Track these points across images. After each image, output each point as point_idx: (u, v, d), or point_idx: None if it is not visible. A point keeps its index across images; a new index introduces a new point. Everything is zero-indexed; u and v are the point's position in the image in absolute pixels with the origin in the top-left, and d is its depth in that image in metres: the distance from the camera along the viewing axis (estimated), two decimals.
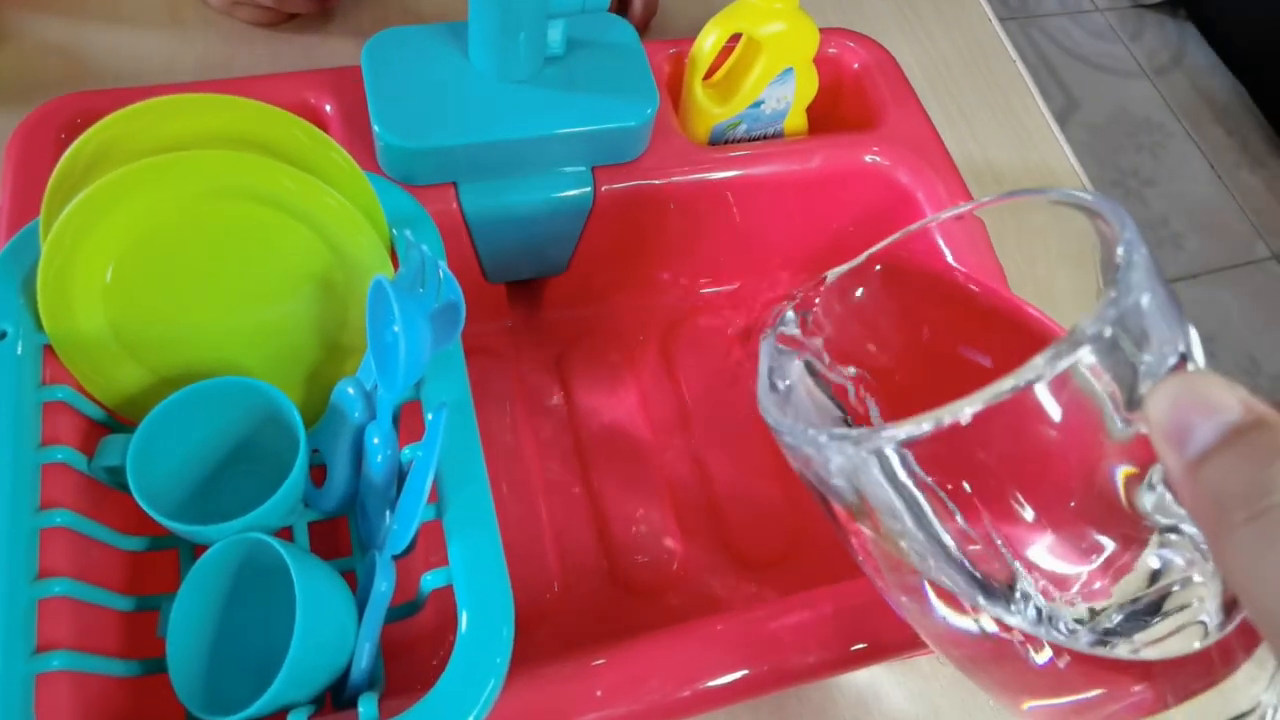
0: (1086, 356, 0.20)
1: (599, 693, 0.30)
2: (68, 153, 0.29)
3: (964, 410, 0.20)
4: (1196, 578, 0.22)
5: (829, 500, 0.25)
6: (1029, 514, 0.22)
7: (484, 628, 0.28)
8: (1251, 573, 0.17)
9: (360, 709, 0.28)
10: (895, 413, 0.22)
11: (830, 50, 0.50)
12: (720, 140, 0.47)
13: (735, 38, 0.46)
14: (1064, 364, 0.19)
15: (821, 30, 0.46)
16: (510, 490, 0.44)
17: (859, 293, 0.31)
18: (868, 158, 0.47)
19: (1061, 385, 0.20)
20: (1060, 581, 0.23)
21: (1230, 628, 0.22)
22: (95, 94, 0.39)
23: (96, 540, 0.31)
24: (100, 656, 0.29)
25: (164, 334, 0.32)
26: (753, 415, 0.28)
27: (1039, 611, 0.23)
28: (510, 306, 0.49)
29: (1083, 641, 0.23)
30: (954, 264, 0.33)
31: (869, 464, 0.22)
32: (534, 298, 0.49)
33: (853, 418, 0.31)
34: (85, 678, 0.28)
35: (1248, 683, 0.22)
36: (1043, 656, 0.23)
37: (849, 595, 0.34)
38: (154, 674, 0.30)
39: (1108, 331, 0.20)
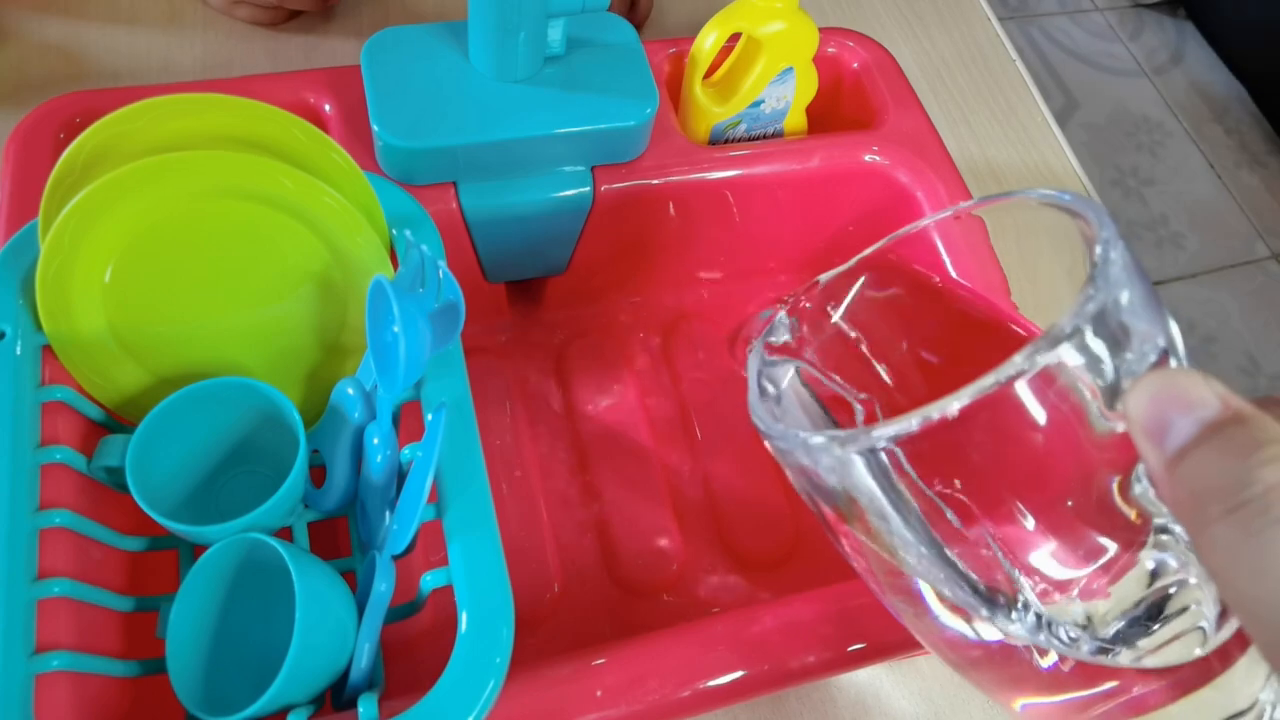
0: (1067, 353, 0.20)
1: (599, 693, 0.30)
2: (66, 152, 0.29)
3: (950, 405, 0.20)
4: (1191, 580, 0.22)
5: (820, 505, 0.25)
6: (1023, 516, 0.22)
7: (484, 628, 0.28)
8: (1231, 567, 0.17)
9: (360, 709, 0.28)
10: (885, 418, 0.22)
11: (830, 50, 0.50)
12: (720, 140, 0.47)
13: (735, 37, 0.46)
14: (1043, 360, 0.20)
15: (821, 30, 0.46)
16: (510, 490, 0.44)
17: (850, 297, 0.31)
18: (867, 157, 0.47)
19: (1045, 383, 0.20)
20: (1058, 584, 0.23)
21: (1228, 632, 0.22)
22: (94, 93, 0.39)
23: (96, 540, 0.31)
24: (100, 657, 0.29)
25: (163, 334, 0.32)
26: None
27: (1038, 618, 0.23)
28: (510, 306, 0.49)
29: (1084, 650, 0.23)
30: (950, 268, 0.33)
31: (858, 465, 0.22)
32: (534, 297, 0.49)
33: (842, 424, 0.31)
34: (85, 678, 0.28)
35: (1246, 681, 0.22)
36: (1047, 661, 0.23)
37: (848, 595, 0.34)
38: (153, 674, 0.30)
39: (1085, 328, 0.20)
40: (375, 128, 0.38)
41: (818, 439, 0.22)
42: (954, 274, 0.34)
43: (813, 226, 0.50)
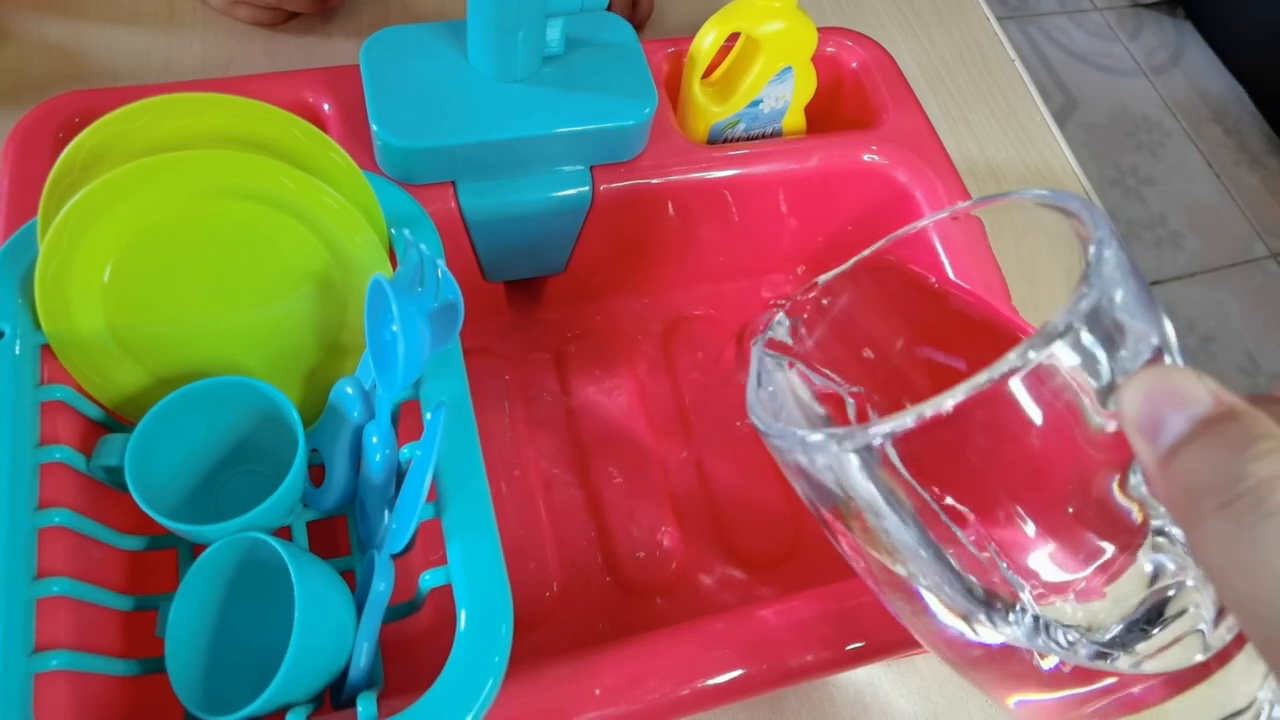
0: (1061, 350, 0.20)
1: (598, 691, 0.30)
2: (65, 152, 0.29)
3: (945, 402, 0.20)
4: (1189, 582, 0.22)
5: (819, 506, 0.25)
6: (1020, 517, 0.22)
7: (483, 627, 0.28)
8: (1224, 562, 0.17)
9: (359, 708, 0.28)
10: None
11: (828, 49, 0.50)
12: (719, 139, 0.47)
13: (734, 36, 0.46)
14: (1037, 357, 0.20)
15: (820, 29, 0.46)
16: (509, 489, 0.44)
17: (847, 298, 0.31)
18: (866, 157, 0.47)
19: (1040, 380, 0.20)
20: (1054, 585, 0.23)
21: (1226, 634, 0.22)
22: (93, 93, 0.39)
23: (95, 540, 0.31)
24: (99, 656, 0.29)
25: (162, 333, 0.32)
26: None
27: (1036, 621, 0.23)
28: (509, 306, 0.49)
29: (1082, 654, 0.23)
30: (949, 269, 0.33)
31: (854, 463, 0.22)
32: (533, 297, 0.49)
33: (840, 425, 0.31)
34: (84, 677, 0.28)
35: (1244, 679, 0.22)
36: (1048, 663, 0.23)
37: (847, 594, 0.34)
38: (153, 673, 0.30)
39: (1078, 326, 0.20)
40: (374, 127, 0.38)
41: (815, 436, 0.22)
42: (953, 275, 0.34)
43: (811, 226, 0.50)
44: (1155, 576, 0.23)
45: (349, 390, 0.33)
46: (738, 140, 0.48)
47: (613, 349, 0.49)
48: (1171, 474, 0.18)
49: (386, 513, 0.32)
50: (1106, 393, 0.21)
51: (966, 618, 0.24)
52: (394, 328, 0.28)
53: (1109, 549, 0.22)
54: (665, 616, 0.42)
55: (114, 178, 0.29)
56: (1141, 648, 0.22)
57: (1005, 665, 0.24)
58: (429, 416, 0.31)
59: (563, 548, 0.43)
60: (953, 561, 0.23)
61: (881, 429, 0.21)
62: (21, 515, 0.28)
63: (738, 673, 0.32)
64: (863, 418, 0.31)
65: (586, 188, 0.42)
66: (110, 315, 0.31)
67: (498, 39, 0.38)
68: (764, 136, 0.49)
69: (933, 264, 0.33)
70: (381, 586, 0.30)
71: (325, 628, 0.29)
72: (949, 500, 0.22)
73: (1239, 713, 0.22)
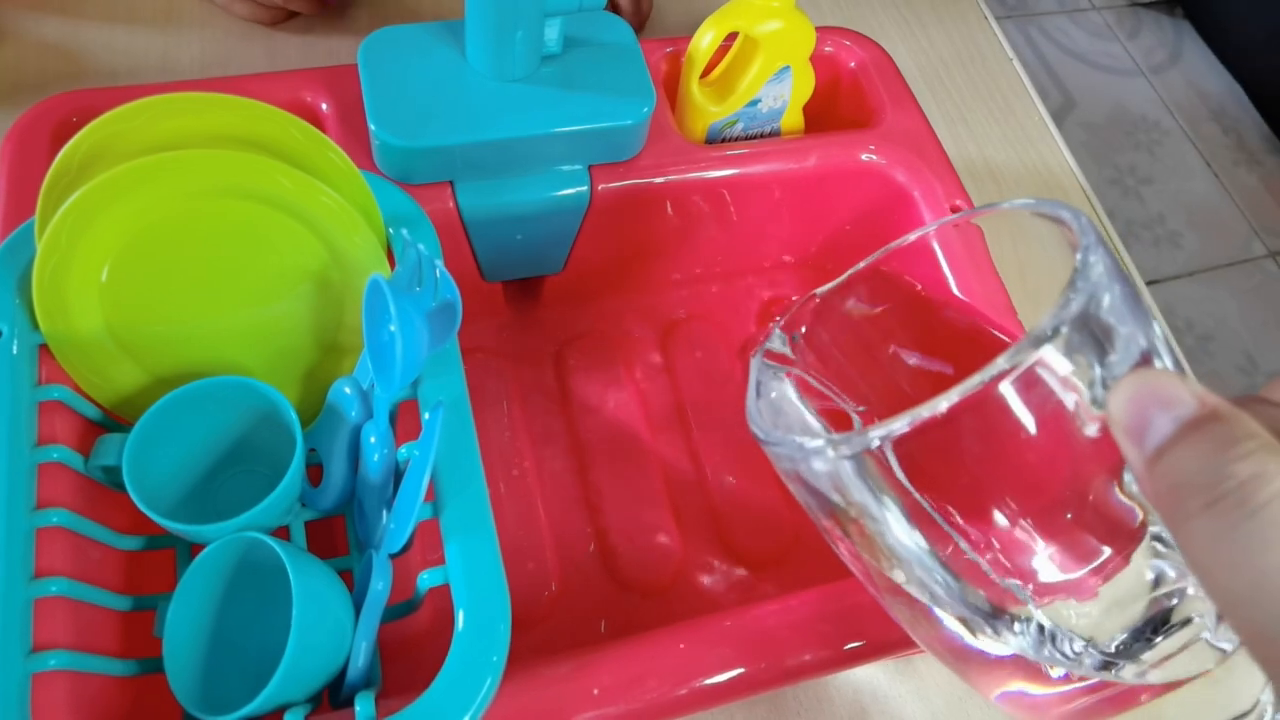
0: (1050, 354, 0.20)
1: (596, 691, 0.30)
2: (63, 151, 0.29)
3: (939, 404, 0.20)
4: (1190, 590, 0.22)
5: (819, 514, 0.25)
6: (1017, 520, 0.22)
7: (481, 626, 0.28)
8: (1210, 560, 0.17)
9: (357, 708, 0.28)
10: None
11: (827, 49, 0.50)
12: (717, 139, 0.47)
13: (732, 36, 0.46)
14: (1025, 360, 0.20)
15: (818, 29, 0.46)
16: (507, 489, 0.44)
17: (845, 310, 0.31)
18: (864, 156, 0.47)
19: (1031, 384, 0.20)
20: (1052, 586, 0.23)
21: (1228, 644, 0.22)
22: (91, 92, 0.39)
23: (93, 540, 0.31)
24: (97, 656, 0.29)
25: (160, 333, 0.32)
26: None
27: (1040, 630, 0.23)
28: (507, 305, 0.49)
29: (1087, 664, 0.23)
30: (950, 278, 0.33)
31: (852, 468, 0.22)
32: (531, 296, 0.49)
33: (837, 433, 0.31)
34: (82, 677, 0.28)
35: (1247, 682, 0.22)
36: (1055, 674, 0.23)
37: (846, 594, 0.34)
38: (151, 673, 0.30)
39: (1066, 329, 0.20)
40: (372, 127, 0.38)
41: (813, 442, 0.22)
42: (954, 284, 0.34)
43: (810, 225, 0.50)
44: (1157, 583, 0.23)
45: (347, 390, 0.33)
46: (736, 140, 0.48)
47: (611, 348, 0.49)
48: (1158, 475, 0.18)
49: (385, 512, 0.32)
50: (1094, 397, 0.21)
51: (966, 623, 0.24)
52: (392, 327, 0.28)
53: (1106, 549, 0.22)
54: (664, 616, 0.42)
55: (112, 177, 0.29)
56: (1147, 657, 0.23)
57: (1011, 670, 0.24)
58: (427, 416, 0.31)
59: (561, 547, 0.43)
60: (951, 569, 0.23)
61: (878, 432, 0.21)
62: (19, 515, 0.28)
63: (736, 672, 0.32)
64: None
65: (585, 187, 0.42)
66: (108, 315, 0.31)
67: (496, 38, 0.38)
68: (762, 136, 0.49)
69: (934, 273, 0.33)
70: (380, 586, 0.30)
71: (323, 627, 0.29)
72: (947, 506, 0.22)
73: (1243, 715, 0.22)
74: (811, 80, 0.47)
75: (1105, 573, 0.23)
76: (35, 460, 0.29)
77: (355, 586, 0.32)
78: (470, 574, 0.29)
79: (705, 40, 0.43)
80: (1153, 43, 1.74)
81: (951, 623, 0.24)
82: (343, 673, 0.30)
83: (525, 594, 0.41)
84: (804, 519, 0.46)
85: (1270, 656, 0.17)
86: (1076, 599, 0.23)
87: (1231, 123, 1.66)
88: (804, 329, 0.31)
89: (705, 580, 0.43)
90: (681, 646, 0.32)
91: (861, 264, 0.31)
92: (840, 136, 0.47)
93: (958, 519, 0.22)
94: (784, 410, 0.30)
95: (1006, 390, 0.20)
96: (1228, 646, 0.22)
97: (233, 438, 0.34)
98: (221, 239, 0.32)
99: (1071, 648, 0.23)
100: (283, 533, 0.34)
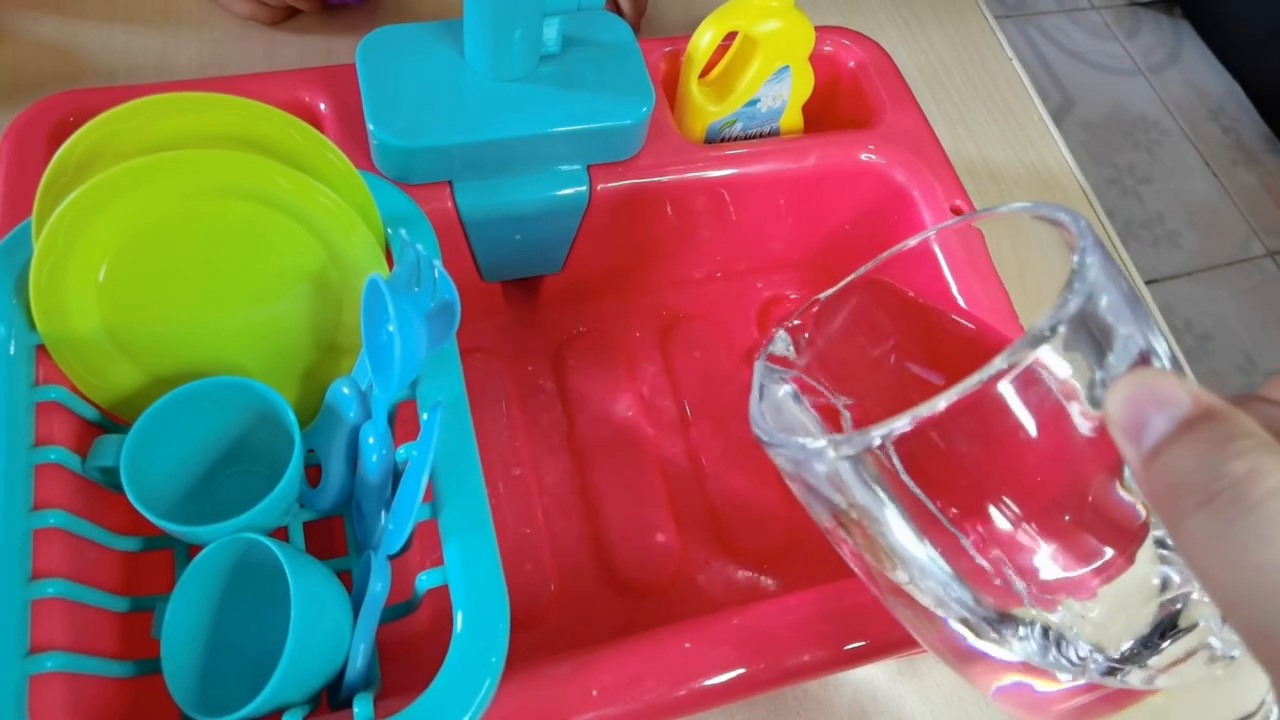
0: (1047, 354, 0.20)
1: (595, 692, 0.30)
2: (60, 151, 0.29)
3: (938, 403, 0.20)
4: (1194, 594, 0.22)
5: (819, 512, 0.26)
6: (1018, 521, 0.22)
7: (479, 627, 0.28)
8: (1207, 558, 0.18)
9: (355, 709, 0.28)
10: None
11: (826, 48, 0.50)
12: (716, 138, 0.47)
13: (731, 35, 0.46)
14: (1023, 359, 0.20)
15: (817, 28, 0.46)
16: (506, 489, 0.44)
17: (846, 314, 0.32)
18: (864, 156, 0.47)
19: (1029, 383, 0.20)
20: (1053, 586, 0.23)
21: (1234, 650, 0.22)
22: (89, 92, 0.39)
23: (91, 541, 0.30)
24: (95, 657, 0.29)
25: (158, 334, 0.32)
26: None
27: (1046, 634, 0.23)
28: (506, 305, 0.49)
29: (1093, 670, 0.23)
30: (952, 282, 0.33)
31: (854, 469, 0.22)
32: (530, 296, 0.49)
33: None
34: (79, 679, 0.28)
35: (1253, 682, 0.22)
36: (1063, 678, 0.23)
37: (846, 594, 0.34)
38: (148, 675, 0.30)
39: (1063, 329, 0.20)
40: (371, 127, 0.38)
41: (815, 443, 0.23)
42: (956, 288, 0.34)
43: (809, 225, 0.50)
44: (1163, 588, 0.23)
45: (345, 390, 0.33)
46: (735, 139, 0.48)
47: (610, 348, 0.49)
48: (1155, 474, 0.19)
49: (383, 513, 0.32)
50: (1092, 397, 0.21)
51: (969, 625, 0.24)
52: (390, 328, 0.28)
53: (1107, 550, 0.22)
54: (663, 616, 0.42)
55: (109, 177, 0.29)
56: (1153, 662, 0.23)
57: (1015, 672, 0.24)
58: (425, 417, 0.31)
59: (560, 547, 0.43)
60: (953, 569, 0.23)
61: (879, 431, 0.21)
62: (16, 516, 0.28)
63: (736, 672, 0.32)
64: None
65: (584, 187, 0.42)
66: (106, 315, 0.31)
67: (495, 38, 0.38)
68: (761, 136, 0.49)
69: (935, 277, 0.33)
70: (378, 587, 0.30)
71: (322, 628, 0.29)
72: (949, 506, 0.22)
73: (1249, 715, 0.22)
74: (811, 80, 0.47)
75: (1108, 573, 0.22)
76: (32, 461, 0.29)
77: (354, 587, 0.32)
78: (469, 575, 0.29)
79: (704, 40, 0.43)
80: (1152, 42, 1.74)
81: (954, 624, 0.24)
82: (341, 674, 0.30)
83: (524, 594, 0.41)
84: (803, 518, 0.46)
85: (1270, 655, 0.17)
86: (1077, 599, 0.23)
87: (1230, 122, 1.66)
88: (806, 334, 0.31)
89: (705, 580, 0.43)
90: (681, 646, 0.32)
91: (863, 269, 0.31)
92: (840, 136, 0.47)
93: (961, 519, 0.22)
94: (786, 412, 0.30)
95: (1005, 389, 0.20)
96: (1236, 653, 0.22)
97: (231, 438, 0.33)
98: (219, 239, 0.32)
99: (1077, 653, 0.23)
100: (281, 533, 0.34)
